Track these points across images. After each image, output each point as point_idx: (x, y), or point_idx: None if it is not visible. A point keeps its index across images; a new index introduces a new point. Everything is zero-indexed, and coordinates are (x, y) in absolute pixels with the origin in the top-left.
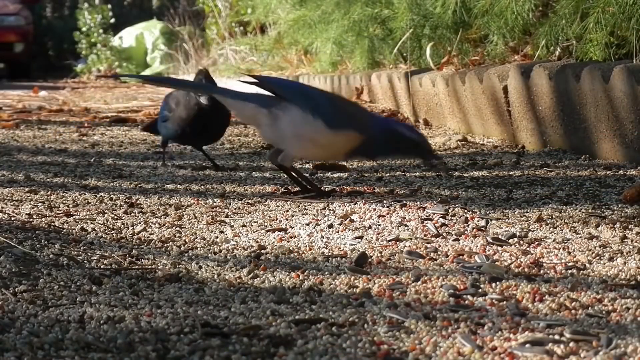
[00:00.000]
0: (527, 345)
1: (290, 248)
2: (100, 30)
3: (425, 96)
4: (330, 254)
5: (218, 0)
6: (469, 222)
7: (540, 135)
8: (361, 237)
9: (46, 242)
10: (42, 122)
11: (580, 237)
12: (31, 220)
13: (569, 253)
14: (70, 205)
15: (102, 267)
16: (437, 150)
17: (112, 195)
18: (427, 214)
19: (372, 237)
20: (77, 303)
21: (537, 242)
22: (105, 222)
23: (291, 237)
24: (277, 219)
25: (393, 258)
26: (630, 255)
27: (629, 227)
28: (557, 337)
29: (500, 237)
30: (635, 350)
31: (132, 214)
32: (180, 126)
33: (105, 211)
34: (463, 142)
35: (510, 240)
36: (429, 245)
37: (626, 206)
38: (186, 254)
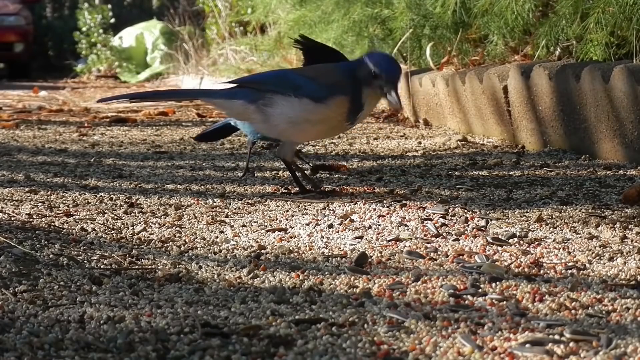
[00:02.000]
0: (527, 345)
1: (290, 248)
2: (100, 30)
3: (425, 96)
4: (330, 254)
5: (218, 0)
6: (469, 222)
7: (540, 135)
8: (361, 237)
9: (46, 242)
10: (42, 122)
11: (580, 237)
12: (31, 220)
13: (569, 253)
14: (70, 205)
15: (102, 267)
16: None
17: (112, 195)
18: (427, 214)
19: (372, 237)
20: (77, 303)
21: (537, 242)
22: (105, 222)
23: (291, 237)
24: (277, 219)
25: (393, 258)
26: (630, 255)
27: (629, 227)
28: (557, 337)
29: (500, 237)
30: (635, 350)
31: (132, 214)
32: None
33: (105, 211)
34: (463, 142)
35: (510, 240)
36: (429, 245)
37: (626, 206)
38: (186, 254)
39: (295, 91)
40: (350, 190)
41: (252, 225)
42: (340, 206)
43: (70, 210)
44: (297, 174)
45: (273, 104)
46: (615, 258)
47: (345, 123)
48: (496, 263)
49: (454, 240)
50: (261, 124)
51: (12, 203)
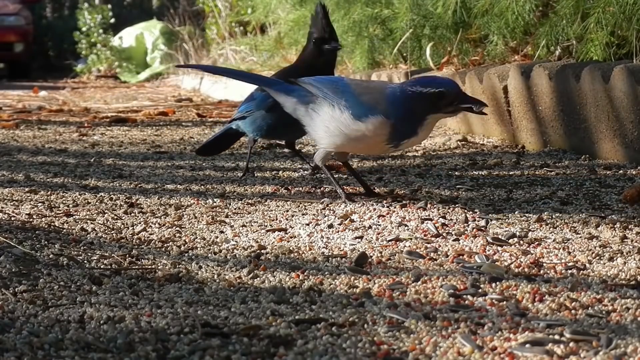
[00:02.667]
0: (527, 345)
1: (290, 248)
2: (100, 30)
3: None
4: (330, 254)
5: (218, 0)
6: (469, 222)
7: (540, 135)
8: (361, 237)
9: (46, 242)
10: (42, 122)
11: (580, 237)
12: (31, 220)
13: (569, 253)
14: (70, 205)
15: (102, 267)
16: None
17: (112, 195)
18: (427, 214)
19: (372, 237)
20: (77, 303)
21: (537, 242)
22: (105, 222)
23: (291, 237)
24: (277, 219)
25: (393, 258)
26: (630, 255)
27: (629, 227)
28: (557, 337)
29: (500, 237)
30: (635, 350)
31: (132, 214)
32: (274, 115)
33: (105, 211)
34: (463, 142)
35: (510, 240)
36: (429, 245)
37: (626, 206)
38: (186, 254)
39: (340, 103)
40: (350, 190)
41: (252, 225)
42: (340, 206)
43: (70, 210)
44: (333, 177)
45: (319, 110)
46: (615, 258)
47: (386, 145)
48: (496, 263)
49: (454, 240)
50: (307, 126)
51: (12, 203)
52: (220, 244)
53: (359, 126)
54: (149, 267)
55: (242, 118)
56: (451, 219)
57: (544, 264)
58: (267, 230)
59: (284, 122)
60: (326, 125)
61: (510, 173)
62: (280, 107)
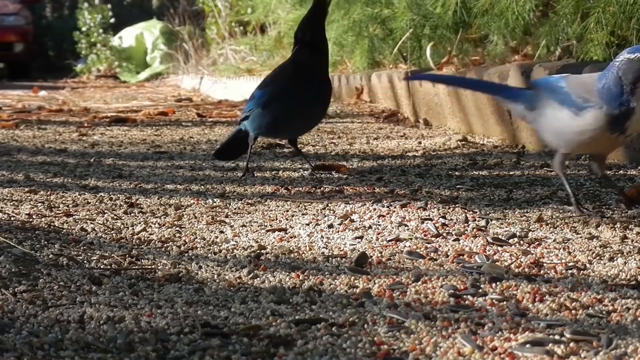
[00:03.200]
0: (528, 346)
1: (290, 248)
2: (100, 30)
3: (425, 96)
4: (330, 254)
5: (218, 0)
6: (469, 222)
7: None
8: (361, 237)
9: (46, 242)
10: (42, 122)
11: (581, 237)
12: (31, 220)
13: (569, 253)
14: (70, 205)
15: (102, 267)
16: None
17: (111, 195)
18: (427, 214)
19: (372, 237)
20: (77, 303)
21: (537, 242)
22: (105, 222)
23: (291, 237)
24: (277, 219)
25: (393, 258)
26: (630, 255)
27: (629, 227)
28: (557, 337)
29: (500, 237)
30: (635, 351)
31: (132, 214)
32: (270, 112)
33: (105, 211)
34: (463, 142)
35: (511, 240)
36: (429, 245)
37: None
38: (186, 254)
39: (560, 101)
40: (351, 190)
41: (252, 225)
42: (340, 206)
43: (70, 210)
44: (569, 188)
45: (543, 112)
46: (615, 258)
47: (611, 135)
48: (496, 263)
49: (454, 240)
50: (539, 132)
51: (11, 203)
52: (220, 244)
53: (577, 122)
54: (149, 267)
55: (246, 118)
56: (451, 219)
57: (544, 264)
58: (267, 230)
59: (280, 119)
60: (551, 127)
61: (511, 173)
62: (276, 104)
